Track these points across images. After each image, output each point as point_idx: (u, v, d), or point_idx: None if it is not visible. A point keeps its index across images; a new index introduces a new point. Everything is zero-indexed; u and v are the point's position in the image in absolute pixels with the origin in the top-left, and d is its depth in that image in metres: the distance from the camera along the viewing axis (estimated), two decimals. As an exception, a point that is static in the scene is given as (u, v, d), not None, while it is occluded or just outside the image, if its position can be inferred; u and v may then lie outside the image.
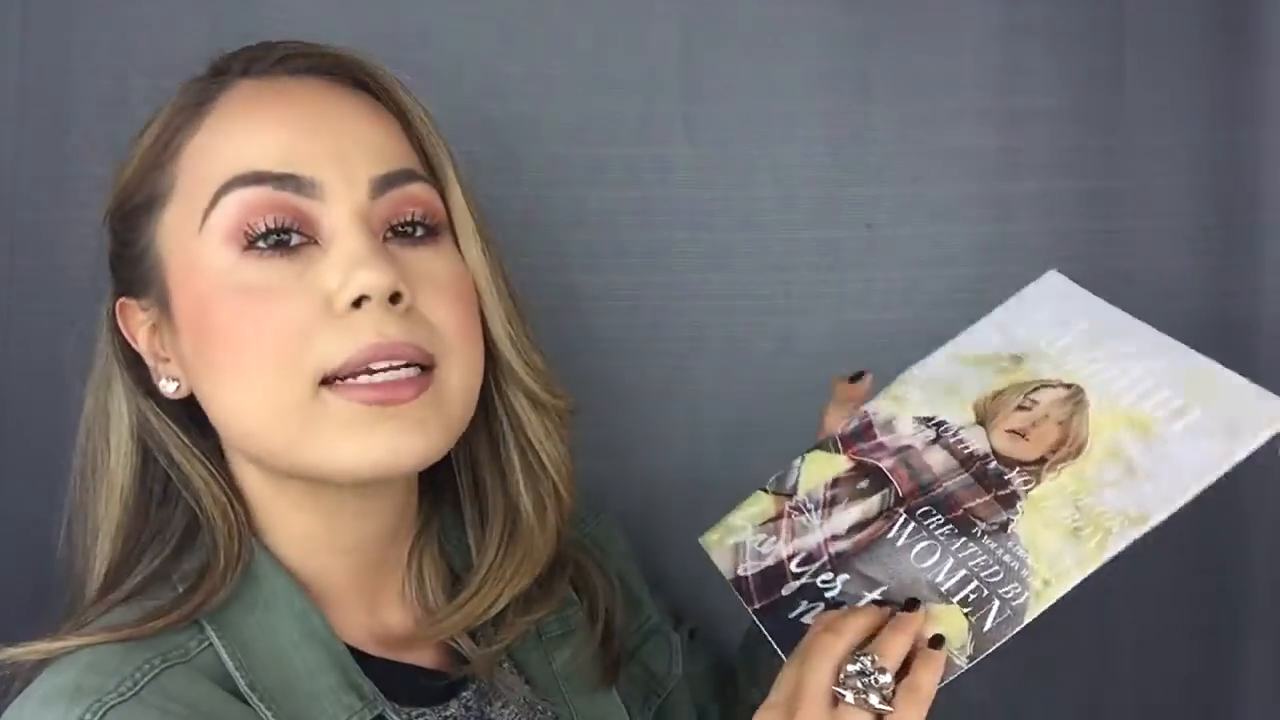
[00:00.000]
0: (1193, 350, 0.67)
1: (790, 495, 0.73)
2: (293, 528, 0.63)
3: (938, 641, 0.61)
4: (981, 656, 0.61)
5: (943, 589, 0.64)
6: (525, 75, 0.93)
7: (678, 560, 0.99)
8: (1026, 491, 0.66)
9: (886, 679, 0.58)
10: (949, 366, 0.74)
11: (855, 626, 0.60)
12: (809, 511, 0.72)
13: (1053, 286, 0.75)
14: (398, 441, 0.58)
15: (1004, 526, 0.65)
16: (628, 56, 0.94)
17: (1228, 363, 0.96)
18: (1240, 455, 0.61)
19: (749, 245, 0.96)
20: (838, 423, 0.76)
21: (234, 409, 0.60)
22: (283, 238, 0.58)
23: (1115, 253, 0.96)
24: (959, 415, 0.72)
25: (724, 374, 0.96)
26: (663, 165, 0.95)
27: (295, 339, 0.58)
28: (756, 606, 0.70)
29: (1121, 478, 0.63)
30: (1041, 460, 0.67)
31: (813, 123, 0.95)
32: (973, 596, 0.63)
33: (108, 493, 0.63)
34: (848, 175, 0.95)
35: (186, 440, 0.63)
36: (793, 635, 0.65)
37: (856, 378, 0.76)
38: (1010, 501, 0.66)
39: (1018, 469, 0.67)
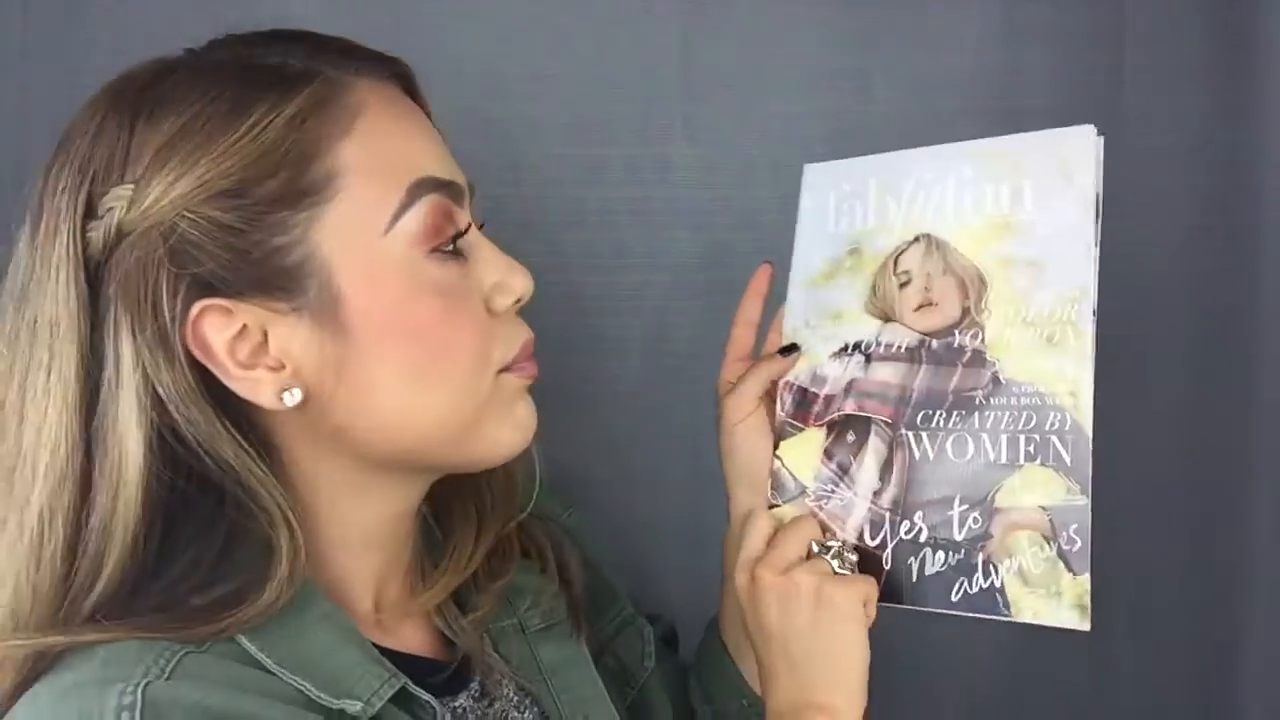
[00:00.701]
0: (971, 140, 0.70)
1: (802, 493, 0.72)
2: (331, 528, 0.63)
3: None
4: (1089, 484, 0.64)
5: (1004, 461, 0.66)
6: (525, 75, 0.93)
7: (677, 559, 0.99)
8: (982, 343, 0.68)
9: (853, 556, 0.69)
10: (811, 296, 0.74)
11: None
12: (833, 493, 0.71)
13: (816, 179, 0.76)
14: (534, 416, 0.66)
15: (995, 380, 0.67)
16: (628, 56, 0.94)
17: (1228, 362, 0.97)
18: (1093, 187, 0.66)
19: (749, 245, 0.96)
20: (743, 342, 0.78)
21: (413, 408, 0.61)
22: (455, 243, 0.62)
23: (1115, 252, 0.96)
24: (865, 327, 0.72)
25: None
26: (663, 165, 0.95)
27: (484, 337, 0.63)
28: (880, 602, 0.69)
29: (1033, 276, 0.67)
30: (965, 312, 0.69)
31: (813, 123, 0.95)
32: (1032, 449, 0.65)
33: (121, 506, 0.57)
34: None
35: (256, 456, 0.59)
36: (936, 591, 0.67)
37: (788, 350, 0.76)
38: (980, 360, 0.68)
39: (956, 332, 0.69)
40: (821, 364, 0.73)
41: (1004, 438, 0.66)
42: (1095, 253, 0.65)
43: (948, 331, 0.69)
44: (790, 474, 0.73)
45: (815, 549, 0.69)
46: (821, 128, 0.95)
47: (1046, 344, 0.66)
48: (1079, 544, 0.63)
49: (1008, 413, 0.66)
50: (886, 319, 0.71)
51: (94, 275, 0.58)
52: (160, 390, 0.57)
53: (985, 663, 1.00)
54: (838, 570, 0.68)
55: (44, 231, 0.59)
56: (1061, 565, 0.63)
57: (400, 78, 0.65)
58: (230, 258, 0.58)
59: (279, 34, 0.63)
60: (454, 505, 0.71)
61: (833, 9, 0.94)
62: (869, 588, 0.67)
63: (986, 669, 1.00)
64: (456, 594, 0.70)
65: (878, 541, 0.69)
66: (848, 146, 0.94)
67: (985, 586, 0.65)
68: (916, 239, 0.71)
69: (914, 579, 0.68)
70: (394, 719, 0.60)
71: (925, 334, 0.70)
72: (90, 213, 0.58)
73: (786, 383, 0.74)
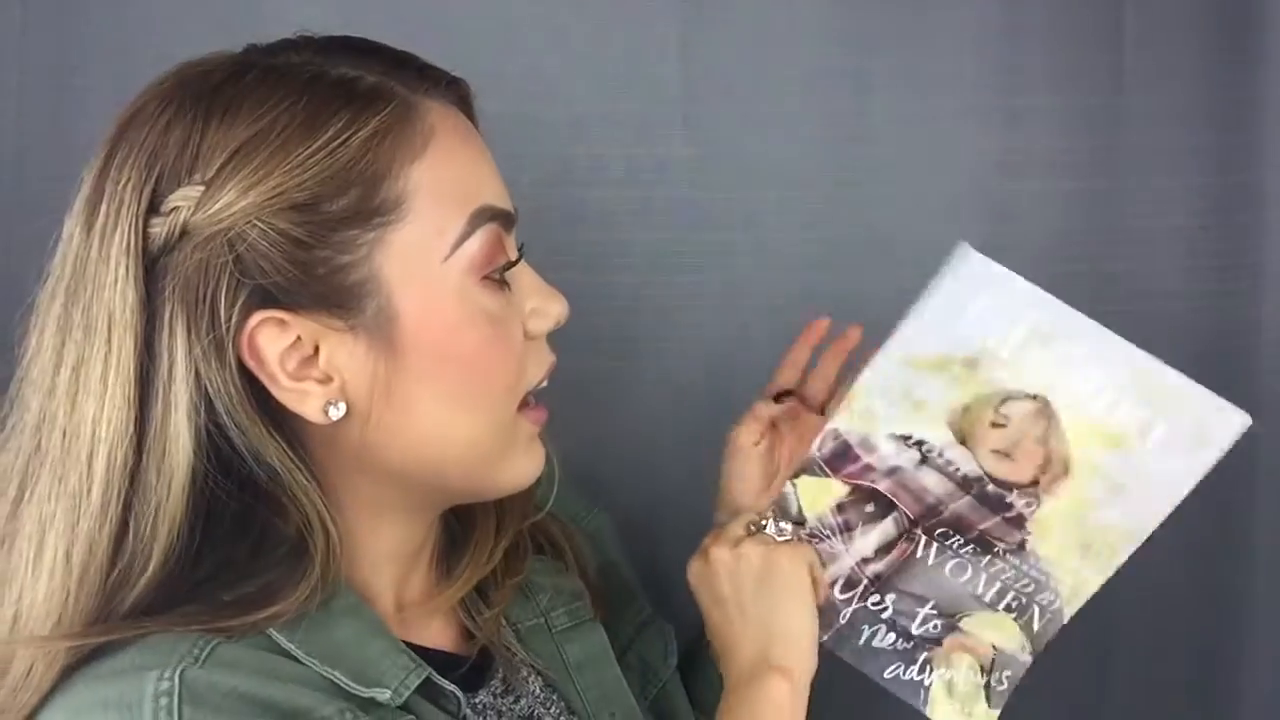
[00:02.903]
0: (1141, 350, 0.68)
1: (801, 524, 0.74)
2: (353, 540, 0.64)
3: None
4: (1040, 650, 0.72)
5: (985, 600, 0.72)
6: (525, 75, 0.93)
7: (676, 559, 0.99)
8: (1031, 514, 0.71)
9: (788, 526, 0.73)
10: (902, 373, 0.72)
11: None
12: (828, 538, 0.73)
13: (975, 269, 0.69)
14: (543, 454, 0.68)
15: (1021, 545, 0.71)
16: (628, 56, 0.94)
17: (1229, 362, 0.97)
18: (1208, 467, 0.67)
19: (749, 245, 0.96)
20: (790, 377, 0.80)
21: (448, 431, 0.62)
22: (503, 273, 0.63)
23: (1115, 253, 0.96)
24: (937, 433, 0.71)
25: (724, 373, 0.96)
26: (663, 165, 0.95)
27: (519, 363, 0.64)
28: (823, 639, 0.72)
29: (1108, 495, 0.69)
30: (1035, 481, 0.70)
31: (813, 123, 0.95)
32: (1014, 604, 0.72)
33: (165, 514, 0.58)
34: (848, 175, 0.95)
35: (300, 463, 0.60)
36: (873, 661, 0.73)
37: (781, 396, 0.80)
38: (1019, 523, 0.71)
39: (1015, 491, 0.71)
40: (878, 436, 0.72)
41: (999, 584, 0.72)
42: (1166, 516, 0.69)
43: (1008, 486, 0.71)
44: (798, 501, 0.74)
45: (753, 528, 0.73)
46: (821, 128, 0.95)
47: (1082, 548, 0.70)
48: (1005, 687, 0.72)
49: (1013, 571, 0.72)
50: (960, 440, 0.71)
51: (150, 270, 0.57)
52: (210, 391, 0.57)
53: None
54: (778, 538, 0.72)
55: (103, 220, 0.58)
56: (983, 695, 0.73)
57: (462, 100, 0.65)
58: (295, 271, 0.58)
59: (351, 43, 0.63)
60: (475, 503, 0.71)
61: (833, 9, 0.94)
62: (812, 554, 0.72)
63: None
64: (480, 590, 0.71)
65: (845, 597, 0.74)
66: (847, 146, 0.95)
67: (915, 679, 0.73)
68: (1034, 397, 0.69)
69: (860, 642, 0.74)
70: (420, 708, 0.61)
71: (986, 474, 0.71)
72: (153, 208, 0.57)
73: (834, 430, 0.73)
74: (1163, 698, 1.00)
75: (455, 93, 0.65)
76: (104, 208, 0.58)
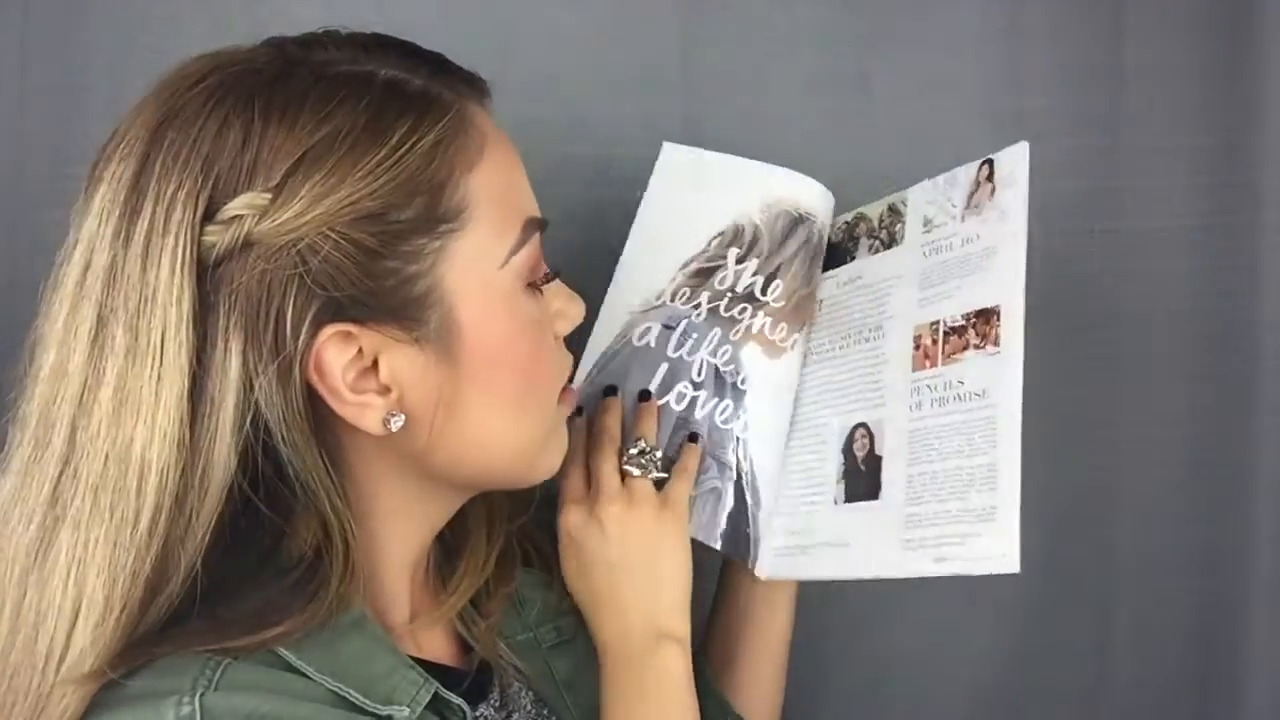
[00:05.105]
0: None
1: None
2: (378, 549, 0.63)
3: (694, 437, 0.77)
4: None
5: None
6: (526, 75, 0.93)
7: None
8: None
9: (660, 454, 0.74)
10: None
11: (614, 422, 0.75)
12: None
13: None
14: (568, 440, 0.70)
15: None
16: (628, 57, 0.94)
17: (1229, 361, 0.97)
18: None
19: (749, 245, 0.95)
20: None
21: (499, 435, 0.62)
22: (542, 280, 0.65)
23: (1115, 253, 0.96)
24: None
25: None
26: (663, 165, 0.95)
27: (556, 365, 0.66)
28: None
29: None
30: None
31: (813, 123, 0.95)
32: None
33: (203, 517, 0.55)
34: (848, 175, 0.95)
35: (336, 482, 0.58)
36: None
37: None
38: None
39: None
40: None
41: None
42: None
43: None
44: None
45: (634, 469, 0.73)
46: (821, 128, 0.95)
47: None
48: None
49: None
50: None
51: (201, 281, 0.54)
52: (265, 410, 0.54)
53: (985, 663, 1.00)
54: (658, 476, 0.73)
55: (148, 228, 0.54)
56: None
57: (485, 103, 0.64)
58: (368, 283, 0.56)
59: (383, 41, 0.61)
60: (467, 509, 0.70)
61: (833, 10, 0.94)
62: (687, 485, 0.73)
63: (987, 669, 1.00)
64: (472, 600, 0.71)
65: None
66: (847, 147, 0.95)
67: None
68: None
69: None
70: None
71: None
72: (209, 215, 0.54)
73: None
74: (1162, 694, 1.00)
75: (486, 96, 0.64)
76: (148, 213, 0.54)
